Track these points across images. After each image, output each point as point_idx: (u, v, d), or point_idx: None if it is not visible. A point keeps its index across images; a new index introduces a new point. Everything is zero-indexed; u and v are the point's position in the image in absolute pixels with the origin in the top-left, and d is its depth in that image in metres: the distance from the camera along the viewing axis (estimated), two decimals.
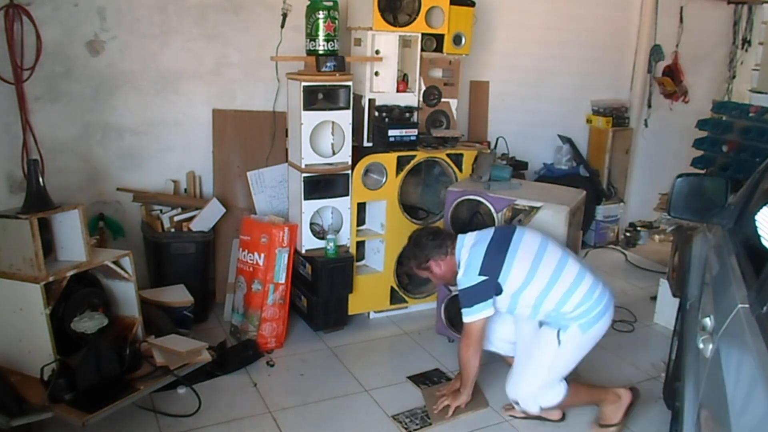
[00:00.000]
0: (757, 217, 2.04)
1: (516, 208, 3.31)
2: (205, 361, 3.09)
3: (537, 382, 2.78)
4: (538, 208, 3.24)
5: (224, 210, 3.81)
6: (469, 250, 2.81)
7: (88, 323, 2.72)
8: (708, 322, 1.79)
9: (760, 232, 1.96)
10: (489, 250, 2.75)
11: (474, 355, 2.83)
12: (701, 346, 1.73)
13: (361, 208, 3.83)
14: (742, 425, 1.33)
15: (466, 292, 2.75)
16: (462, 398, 2.94)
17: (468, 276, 2.75)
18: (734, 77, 6.09)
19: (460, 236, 2.93)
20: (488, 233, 2.86)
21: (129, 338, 3.03)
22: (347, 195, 3.65)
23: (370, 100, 3.73)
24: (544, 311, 2.73)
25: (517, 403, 2.86)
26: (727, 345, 1.60)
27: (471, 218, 3.50)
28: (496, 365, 3.44)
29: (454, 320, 3.62)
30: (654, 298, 4.17)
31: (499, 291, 2.73)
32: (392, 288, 3.91)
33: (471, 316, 2.75)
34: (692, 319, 2.26)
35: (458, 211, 3.50)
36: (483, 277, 2.71)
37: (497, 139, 4.60)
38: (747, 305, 1.58)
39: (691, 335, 2.15)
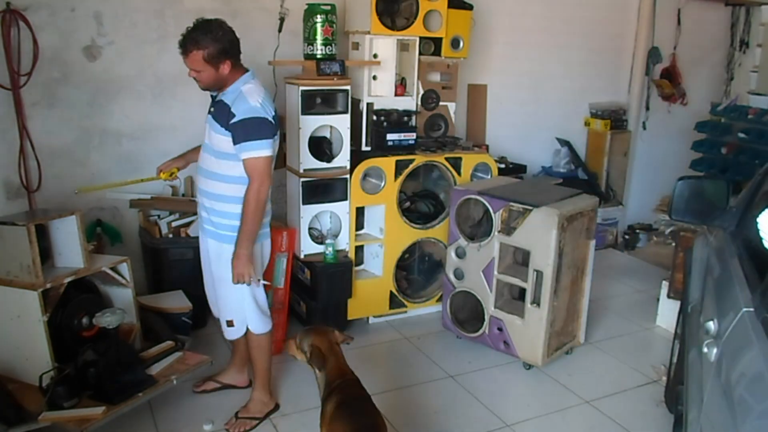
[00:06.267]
0: (759, 220, 2.03)
1: (512, 210, 3.31)
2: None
3: None
4: (530, 211, 3.24)
5: None
6: (264, 91, 2.74)
7: (111, 318, 2.71)
8: (711, 325, 1.78)
9: (762, 235, 1.95)
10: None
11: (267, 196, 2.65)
12: (705, 350, 1.72)
13: (360, 212, 3.81)
14: (749, 429, 1.32)
15: (260, 121, 2.60)
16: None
17: (265, 109, 2.64)
18: (732, 79, 6.10)
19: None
20: None
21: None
22: (346, 199, 3.63)
23: (368, 104, 3.72)
24: None
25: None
26: (732, 349, 1.59)
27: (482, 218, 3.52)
28: (496, 369, 3.43)
29: (458, 315, 3.67)
30: (657, 300, 4.15)
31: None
32: (391, 292, 3.89)
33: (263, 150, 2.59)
34: (694, 322, 2.25)
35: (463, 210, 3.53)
36: (273, 121, 2.65)
37: None
38: (752, 309, 1.57)
39: (694, 338, 2.14)
